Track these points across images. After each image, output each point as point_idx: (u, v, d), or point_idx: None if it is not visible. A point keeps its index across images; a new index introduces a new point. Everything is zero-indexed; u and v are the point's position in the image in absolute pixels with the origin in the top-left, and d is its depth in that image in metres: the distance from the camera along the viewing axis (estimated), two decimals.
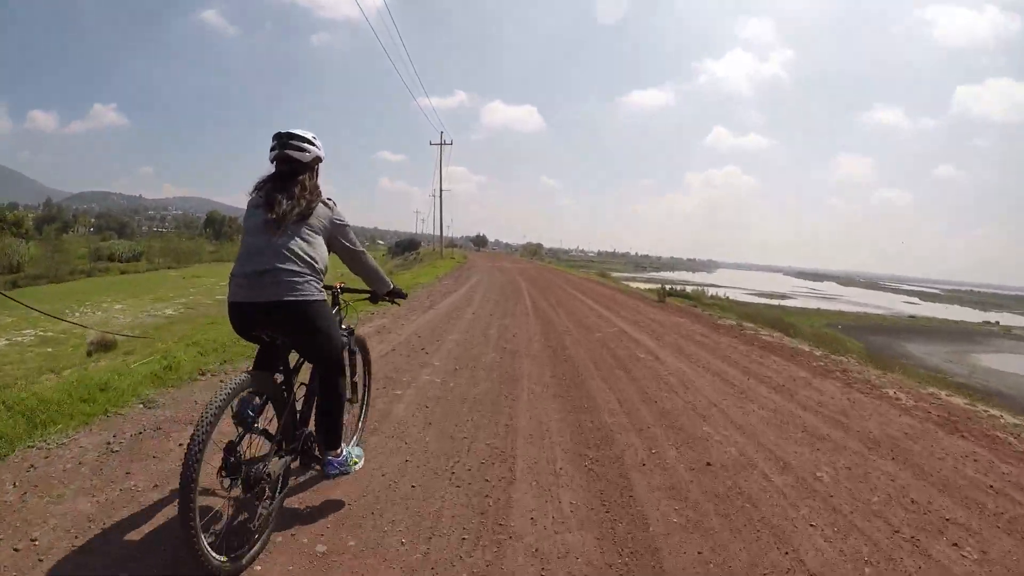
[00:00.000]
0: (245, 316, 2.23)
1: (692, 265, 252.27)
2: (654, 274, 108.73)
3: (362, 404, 3.19)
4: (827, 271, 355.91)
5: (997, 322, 48.58)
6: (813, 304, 55.73)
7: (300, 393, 2.47)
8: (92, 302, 22.29)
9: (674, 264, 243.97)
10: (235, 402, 2.00)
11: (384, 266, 37.35)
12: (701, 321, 11.29)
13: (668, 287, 24.67)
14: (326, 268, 2.37)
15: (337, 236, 2.42)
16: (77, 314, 18.26)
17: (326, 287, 2.54)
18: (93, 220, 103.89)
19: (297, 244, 2.22)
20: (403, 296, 2.88)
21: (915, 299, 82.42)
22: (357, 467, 2.55)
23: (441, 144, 38.20)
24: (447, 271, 21.85)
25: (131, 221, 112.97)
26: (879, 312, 51.81)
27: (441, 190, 39.53)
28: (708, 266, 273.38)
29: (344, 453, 2.48)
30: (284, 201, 2.23)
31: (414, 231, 60.88)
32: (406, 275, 20.25)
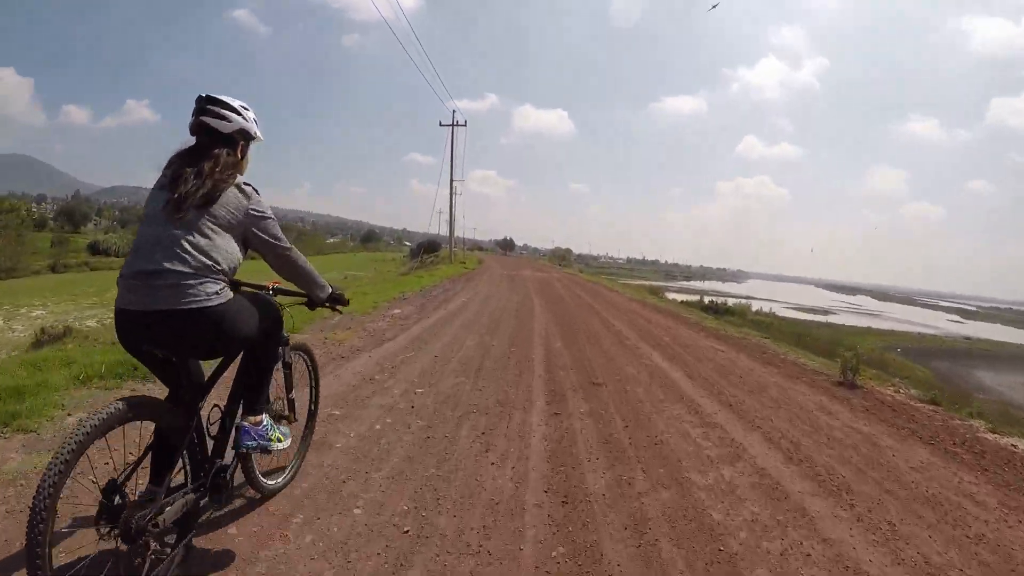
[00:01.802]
0: (132, 328, 1.73)
1: (722, 275, 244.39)
2: (686, 283, 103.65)
3: (305, 426, 2.78)
4: (858, 284, 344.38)
5: None
6: (861, 322, 51.39)
7: (215, 415, 2.03)
8: (15, 304, 18.39)
9: (704, 273, 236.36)
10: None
11: (401, 268, 32.08)
12: None
13: (713, 303, 19.91)
14: (234, 269, 1.86)
15: (254, 230, 1.91)
16: None
17: (255, 285, 2.23)
18: (118, 213, 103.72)
19: (195, 238, 1.73)
20: (345, 303, 2.41)
21: (956, 316, 78.23)
22: (280, 446, 2.12)
23: (453, 125, 32.04)
24: (432, 284, 15.66)
25: None
26: (931, 332, 47.56)
27: (452, 179, 32.91)
28: (738, 276, 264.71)
29: (265, 423, 2.06)
30: (191, 178, 1.77)
31: (437, 232, 56.75)
32: (349, 292, 15.06)
